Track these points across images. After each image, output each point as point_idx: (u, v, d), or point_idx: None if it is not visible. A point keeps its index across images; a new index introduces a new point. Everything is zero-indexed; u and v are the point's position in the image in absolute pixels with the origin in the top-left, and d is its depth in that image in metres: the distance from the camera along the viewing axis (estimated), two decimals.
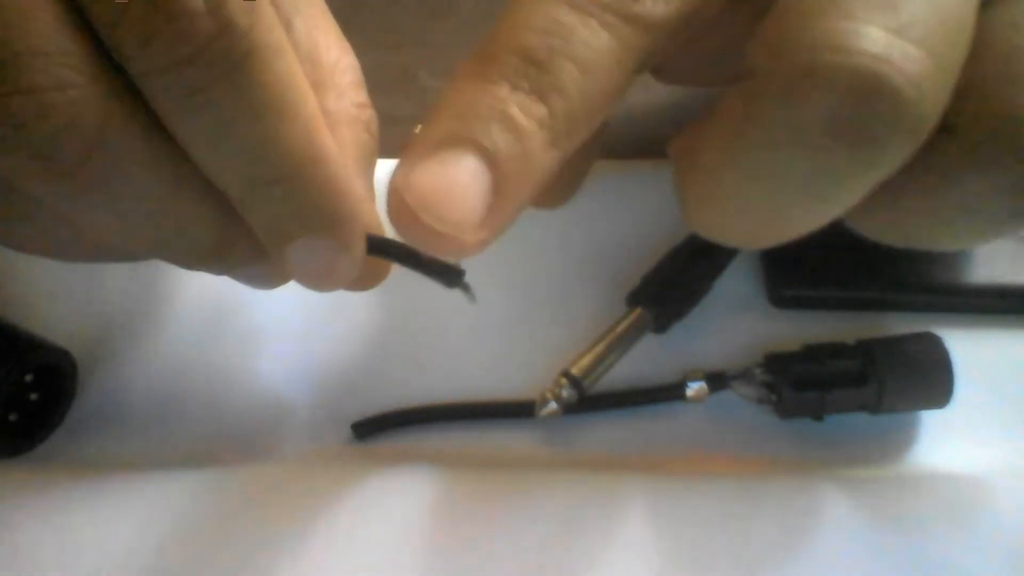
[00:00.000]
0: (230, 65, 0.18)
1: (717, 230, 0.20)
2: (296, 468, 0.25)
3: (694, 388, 0.26)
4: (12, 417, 0.26)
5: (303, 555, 0.23)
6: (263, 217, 0.20)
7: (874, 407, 0.25)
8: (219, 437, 0.27)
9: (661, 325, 0.28)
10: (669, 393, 0.27)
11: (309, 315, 0.29)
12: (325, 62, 0.24)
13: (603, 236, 0.31)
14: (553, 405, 0.26)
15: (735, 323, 0.29)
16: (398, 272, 0.30)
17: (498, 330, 0.29)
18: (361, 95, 0.25)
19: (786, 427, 0.26)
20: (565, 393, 0.26)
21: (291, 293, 0.26)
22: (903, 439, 0.26)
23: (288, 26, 0.22)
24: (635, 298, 0.28)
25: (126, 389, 0.28)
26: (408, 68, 0.37)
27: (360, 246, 0.22)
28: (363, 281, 0.24)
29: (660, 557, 0.23)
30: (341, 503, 0.24)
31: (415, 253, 0.23)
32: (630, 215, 0.31)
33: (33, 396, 0.26)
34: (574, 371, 0.26)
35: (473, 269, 0.30)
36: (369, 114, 0.25)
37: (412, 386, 0.28)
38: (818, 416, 0.26)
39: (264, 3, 0.19)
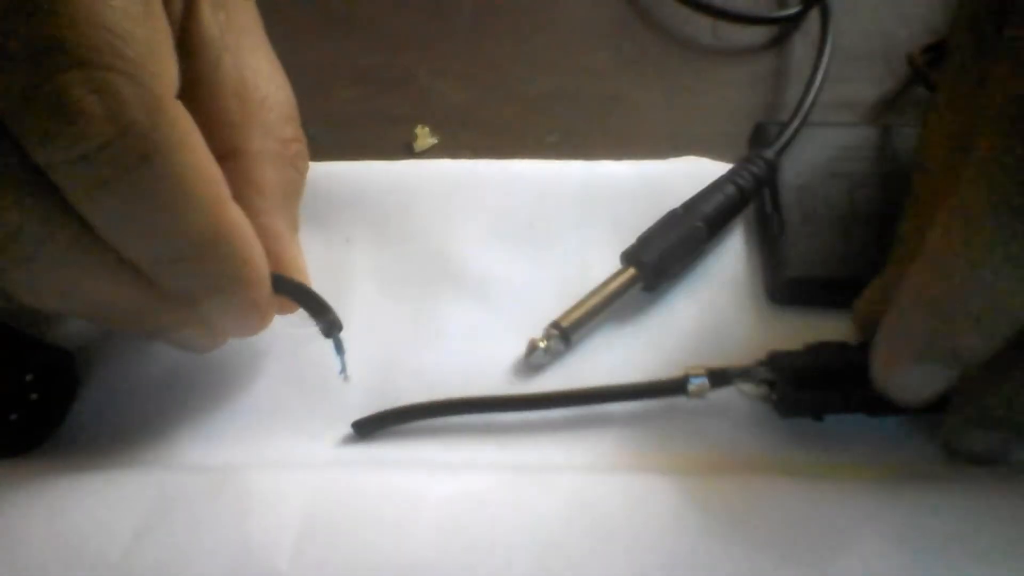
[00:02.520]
0: (130, 163, 0.18)
1: None
2: (296, 468, 0.25)
3: (696, 384, 0.26)
4: (12, 417, 0.26)
5: (303, 555, 0.23)
6: (173, 287, 0.22)
7: (874, 408, 0.25)
8: (220, 437, 0.27)
9: (650, 284, 0.29)
10: (671, 388, 0.26)
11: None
12: (253, 99, 0.24)
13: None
14: (541, 354, 0.28)
15: (735, 320, 0.29)
16: (398, 274, 0.30)
17: (498, 327, 0.29)
18: (288, 130, 0.25)
19: (786, 426, 0.26)
20: (554, 343, 0.28)
21: None
22: (901, 440, 0.26)
23: (217, 63, 0.23)
24: (628, 257, 0.29)
25: (126, 389, 0.28)
26: (408, 68, 0.37)
27: (267, 300, 0.24)
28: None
29: (657, 556, 0.23)
30: (342, 503, 0.24)
31: (308, 293, 0.25)
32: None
33: (33, 396, 0.26)
34: (563, 323, 0.28)
35: (489, 272, 0.30)
36: (297, 149, 0.26)
37: (411, 384, 0.28)
38: (818, 416, 0.26)
39: (167, 99, 0.19)
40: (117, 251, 0.20)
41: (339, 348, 0.26)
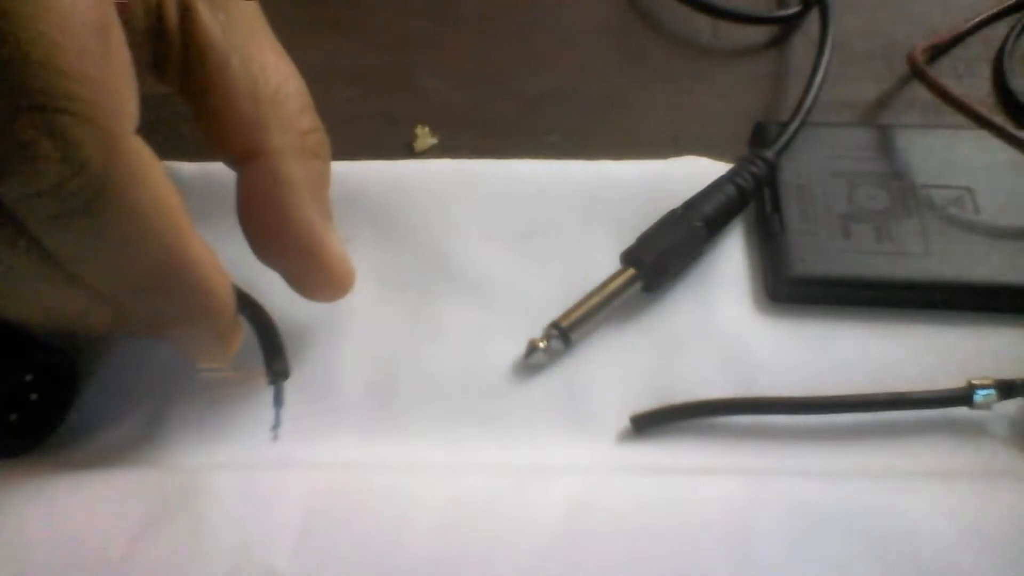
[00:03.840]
0: (83, 202, 0.19)
1: None
2: (296, 468, 0.25)
3: (983, 395, 0.26)
4: (12, 417, 0.26)
5: (303, 555, 0.23)
6: (135, 314, 0.22)
7: None
8: (219, 437, 0.27)
9: (650, 284, 0.29)
10: (955, 399, 0.26)
11: (320, 314, 0.29)
12: (265, 96, 0.24)
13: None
14: (541, 355, 0.28)
15: (735, 320, 0.29)
16: (398, 274, 0.30)
17: (497, 327, 0.29)
18: (306, 121, 0.25)
19: None
20: (553, 343, 0.28)
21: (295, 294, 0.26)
22: None
23: (224, 65, 0.23)
24: (628, 257, 0.29)
25: (126, 389, 0.28)
26: (408, 68, 0.37)
27: (230, 329, 0.24)
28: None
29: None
30: (342, 503, 0.24)
31: (268, 328, 0.25)
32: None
33: (33, 396, 0.26)
34: (563, 323, 0.28)
35: (489, 272, 0.30)
36: (316, 138, 0.26)
37: (411, 383, 0.28)
38: None
39: (123, 137, 0.19)
40: (79, 278, 0.21)
41: (279, 399, 0.25)
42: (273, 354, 0.25)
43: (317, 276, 0.25)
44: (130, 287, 0.21)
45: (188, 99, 0.24)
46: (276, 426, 0.25)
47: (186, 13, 0.23)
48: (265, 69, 0.24)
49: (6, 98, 0.18)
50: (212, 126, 0.24)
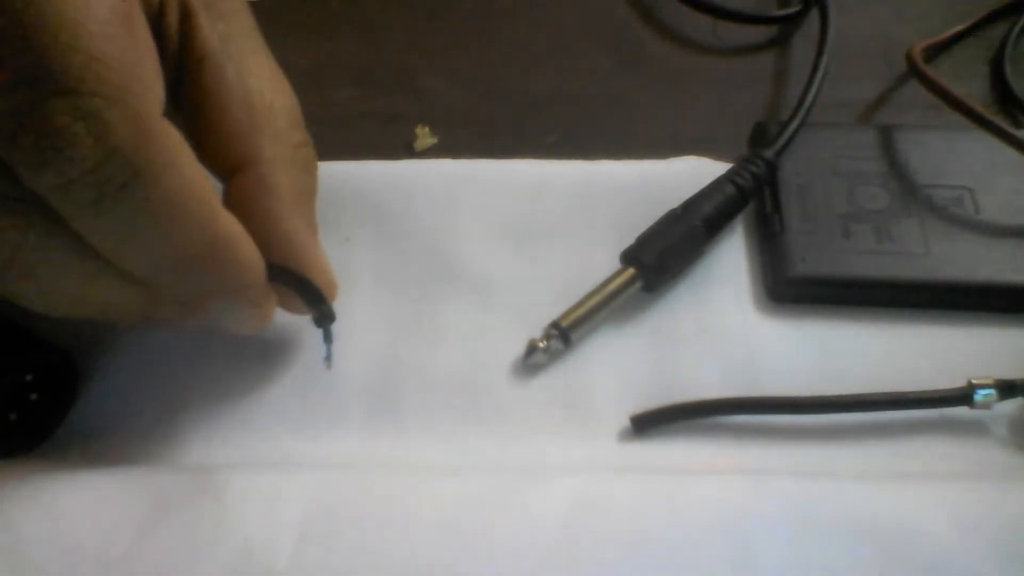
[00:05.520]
0: (118, 185, 0.19)
1: None
2: (296, 468, 0.25)
3: (983, 395, 0.26)
4: (12, 417, 0.26)
5: (303, 555, 0.23)
6: (172, 293, 0.23)
7: None
8: (220, 437, 0.27)
9: (650, 284, 0.29)
10: (955, 399, 0.26)
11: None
12: (259, 107, 0.25)
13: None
14: (541, 355, 0.28)
15: (735, 320, 0.29)
16: (398, 274, 0.30)
17: (497, 327, 0.29)
18: (297, 135, 0.26)
19: None
20: (553, 343, 0.28)
21: None
22: None
23: (221, 75, 0.24)
24: (628, 257, 0.29)
25: (126, 389, 0.28)
26: (408, 68, 0.37)
27: (265, 298, 0.25)
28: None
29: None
30: (342, 503, 0.24)
31: (303, 282, 0.26)
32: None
33: (33, 396, 0.26)
34: (563, 323, 0.28)
35: (489, 272, 0.30)
36: (306, 152, 0.26)
37: (411, 383, 0.28)
38: None
39: (153, 119, 0.20)
40: (115, 264, 0.21)
41: (328, 337, 0.26)
42: (316, 301, 0.26)
43: None
44: (167, 268, 0.21)
45: (177, 109, 0.24)
46: (328, 358, 0.27)
47: (186, 20, 0.24)
48: (260, 81, 0.25)
49: (37, 83, 0.18)
50: (204, 135, 0.24)
